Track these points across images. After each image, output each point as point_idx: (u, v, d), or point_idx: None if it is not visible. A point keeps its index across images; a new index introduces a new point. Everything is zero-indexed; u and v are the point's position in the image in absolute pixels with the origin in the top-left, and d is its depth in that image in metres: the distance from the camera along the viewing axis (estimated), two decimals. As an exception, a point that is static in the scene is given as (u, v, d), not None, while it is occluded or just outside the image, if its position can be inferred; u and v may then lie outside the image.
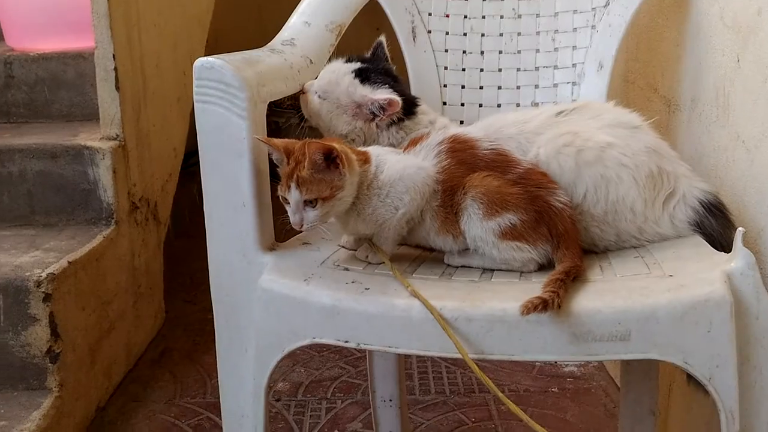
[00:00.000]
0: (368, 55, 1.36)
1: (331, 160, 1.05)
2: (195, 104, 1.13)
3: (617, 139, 1.13)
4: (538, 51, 1.45)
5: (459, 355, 0.98)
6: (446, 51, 1.48)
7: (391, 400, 1.64)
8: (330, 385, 2.02)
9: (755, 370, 0.98)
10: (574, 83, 1.42)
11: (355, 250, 1.17)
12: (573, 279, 1.02)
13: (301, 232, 1.11)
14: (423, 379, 2.05)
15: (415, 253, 1.20)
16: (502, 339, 0.97)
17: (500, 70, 1.47)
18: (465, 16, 1.48)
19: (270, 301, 1.09)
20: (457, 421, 1.85)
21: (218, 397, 1.18)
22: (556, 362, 2.10)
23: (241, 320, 1.13)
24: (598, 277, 1.05)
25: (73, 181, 1.98)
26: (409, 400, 1.91)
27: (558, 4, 1.44)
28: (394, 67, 1.36)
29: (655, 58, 1.62)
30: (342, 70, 1.29)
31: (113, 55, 1.97)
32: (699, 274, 1.00)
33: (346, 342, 1.03)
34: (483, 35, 1.47)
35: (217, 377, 1.18)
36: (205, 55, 1.14)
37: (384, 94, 1.25)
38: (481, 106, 1.47)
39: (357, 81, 1.28)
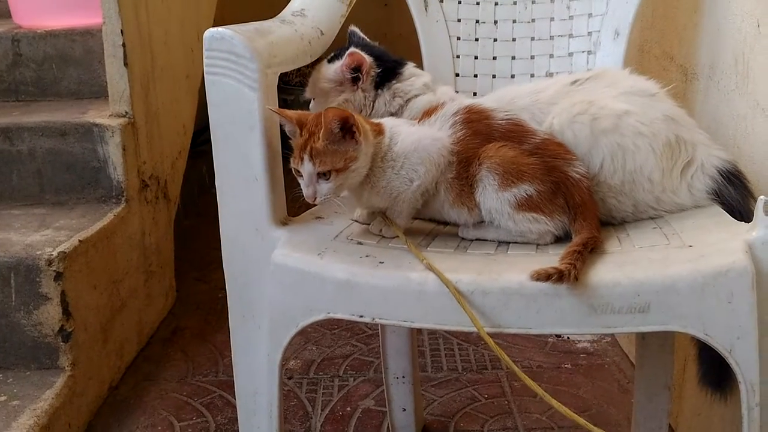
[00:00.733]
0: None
1: (347, 129, 1.04)
2: (205, 76, 1.11)
3: (634, 107, 1.11)
4: (552, 19, 1.42)
5: (474, 329, 0.96)
6: (459, 21, 1.46)
7: (403, 377, 1.63)
8: (342, 362, 2.01)
9: (776, 342, 0.96)
10: (589, 52, 1.40)
11: (369, 224, 1.15)
12: (591, 251, 1.00)
13: (314, 205, 1.09)
14: (435, 356, 2.04)
15: (429, 226, 1.18)
16: (519, 312, 0.96)
17: (514, 39, 1.44)
18: (478, -16, 1.46)
19: (283, 276, 1.07)
20: (469, 398, 1.84)
21: (230, 376, 1.17)
22: (569, 338, 2.09)
23: (254, 296, 1.12)
24: (616, 249, 1.03)
25: (82, 159, 1.97)
26: (422, 377, 1.90)
27: (573, -29, 1.42)
28: (377, 43, 1.35)
29: (671, 26, 1.59)
30: (319, 67, 1.29)
31: (121, 31, 1.95)
32: (719, 244, 0.98)
33: (361, 317, 1.02)
34: (496, 4, 1.45)
35: (229, 356, 1.17)
36: None
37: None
38: (494, 77, 1.45)
39: (328, 63, 1.29)
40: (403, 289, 1.00)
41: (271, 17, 1.31)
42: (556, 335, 2.09)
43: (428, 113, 1.14)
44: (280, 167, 1.15)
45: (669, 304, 0.93)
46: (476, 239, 1.11)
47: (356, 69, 1.25)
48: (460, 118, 1.11)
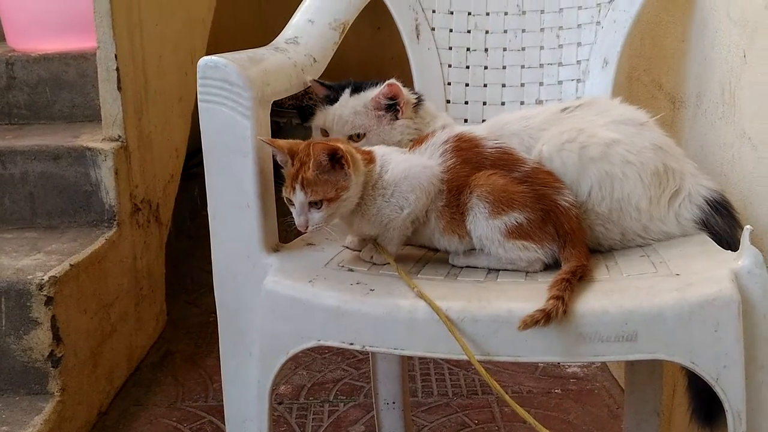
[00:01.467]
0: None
1: (336, 160, 1.05)
2: (199, 104, 1.12)
3: (623, 136, 1.12)
4: (542, 48, 1.44)
5: (465, 357, 0.97)
6: (450, 48, 1.47)
7: (394, 403, 1.63)
8: (332, 387, 2.01)
9: (762, 370, 0.97)
10: (578, 80, 1.41)
11: (360, 251, 1.16)
12: (579, 279, 1.01)
13: (305, 233, 1.10)
14: (425, 380, 2.04)
15: (420, 253, 1.19)
16: (509, 340, 0.96)
17: (504, 67, 1.46)
18: (469, 13, 1.48)
19: (274, 302, 1.08)
20: (460, 424, 1.84)
21: (220, 401, 1.17)
22: (559, 363, 2.09)
23: (245, 322, 1.12)
24: (604, 277, 1.04)
25: (75, 183, 1.97)
26: (412, 402, 1.90)
27: (562, 0, 1.43)
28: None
29: (659, 54, 1.61)
30: (343, 102, 1.29)
31: (115, 56, 1.96)
32: (706, 273, 0.99)
33: (351, 344, 1.03)
34: (487, 32, 1.47)
35: (219, 381, 1.17)
36: (206, 55, 1.13)
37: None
38: (485, 104, 1.46)
39: (350, 96, 1.29)
40: (393, 317, 1.00)
41: (265, 41, 1.32)
42: (541, 362, 2.09)
43: (419, 141, 1.16)
44: (272, 194, 1.15)
45: (656, 333, 0.94)
46: (466, 266, 1.12)
47: (392, 98, 1.26)
48: (450, 147, 1.12)
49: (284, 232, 1.18)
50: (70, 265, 1.72)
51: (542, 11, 1.44)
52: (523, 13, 1.45)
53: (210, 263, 1.15)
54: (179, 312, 2.43)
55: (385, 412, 1.63)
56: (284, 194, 1.07)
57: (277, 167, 1.13)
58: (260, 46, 1.29)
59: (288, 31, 1.38)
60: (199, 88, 1.12)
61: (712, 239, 1.11)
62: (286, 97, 1.24)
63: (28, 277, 1.65)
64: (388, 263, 1.10)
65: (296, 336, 1.06)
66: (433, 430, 1.81)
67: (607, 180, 1.10)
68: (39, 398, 1.65)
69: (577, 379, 2.03)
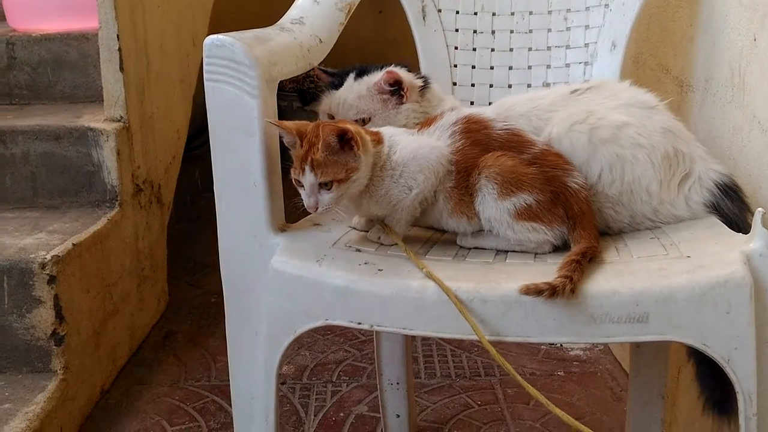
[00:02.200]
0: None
1: (345, 141, 1.04)
2: (205, 83, 1.11)
3: (633, 119, 1.11)
4: (549, 30, 1.43)
5: (474, 337, 0.97)
6: (456, 30, 1.47)
7: (398, 383, 1.63)
8: (335, 368, 2.01)
9: (773, 352, 0.97)
10: (586, 63, 1.41)
11: (367, 231, 1.16)
12: (589, 260, 1.01)
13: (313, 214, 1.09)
14: (428, 362, 2.04)
15: (427, 234, 1.19)
16: (519, 320, 0.96)
17: (511, 49, 1.45)
18: (476, -5, 1.47)
19: (282, 282, 1.08)
20: (463, 405, 1.84)
21: (223, 381, 1.17)
22: (562, 346, 2.10)
23: (252, 302, 1.12)
24: (614, 259, 1.04)
25: (76, 163, 1.97)
26: (415, 384, 1.90)
27: (571, -18, 1.43)
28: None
29: (667, 39, 1.60)
30: (347, 87, 1.29)
31: (117, 36, 1.95)
32: (717, 255, 0.98)
33: (359, 324, 1.02)
34: (494, 14, 1.46)
35: (221, 360, 1.17)
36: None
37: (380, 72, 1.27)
38: (491, 86, 1.46)
39: (354, 81, 1.29)
40: (402, 297, 1.00)
41: (267, 24, 1.31)
42: (550, 342, 2.10)
43: (427, 123, 1.15)
44: (279, 174, 1.15)
45: (667, 315, 0.94)
46: (474, 247, 1.12)
47: (394, 84, 1.26)
48: (458, 128, 1.11)
49: (290, 213, 1.17)
50: (73, 244, 1.72)
51: (550, -7, 1.43)
52: (531, -6, 1.44)
53: (211, 245, 1.14)
54: (181, 293, 2.43)
55: (389, 392, 1.64)
56: (293, 175, 1.07)
57: (283, 149, 1.12)
58: (263, 26, 1.28)
59: (293, 11, 1.36)
60: (205, 67, 1.11)
61: (723, 222, 1.10)
62: (287, 81, 1.23)
63: (31, 255, 1.65)
64: (396, 244, 1.10)
65: (303, 315, 1.06)
66: (436, 411, 1.82)
67: (618, 163, 1.10)
68: (42, 376, 1.65)
69: (580, 362, 2.03)
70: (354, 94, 1.28)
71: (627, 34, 1.36)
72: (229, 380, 1.17)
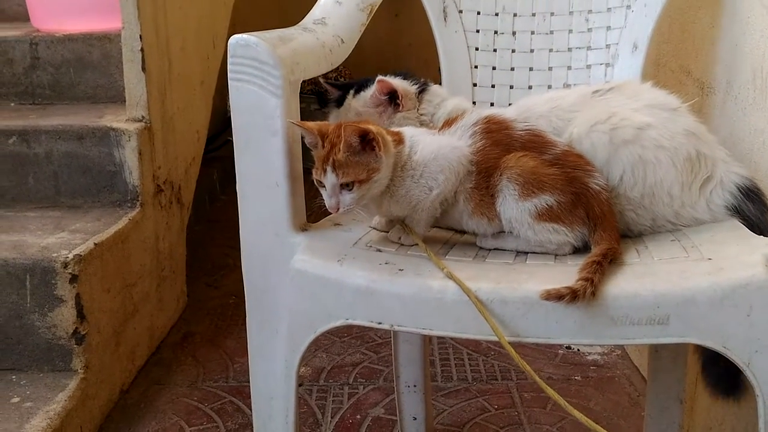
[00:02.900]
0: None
1: (366, 142, 1.04)
2: (229, 82, 1.12)
3: (655, 120, 1.11)
4: (571, 31, 1.44)
5: (494, 338, 0.97)
6: (478, 31, 1.47)
7: (415, 386, 1.64)
8: (352, 370, 2.02)
9: (795, 356, 0.97)
10: (607, 64, 1.40)
11: (387, 232, 1.16)
12: (610, 262, 1.01)
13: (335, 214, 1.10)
14: (445, 365, 2.04)
15: (447, 235, 1.19)
16: (539, 322, 0.96)
17: (532, 50, 1.45)
18: (497, -5, 1.47)
19: (303, 281, 1.08)
20: (479, 408, 1.84)
21: (241, 381, 1.17)
22: (578, 350, 2.09)
23: (273, 301, 1.13)
24: (635, 260, 1.04)
25: (98, 163, 1.98)
26: (432, 387, 1.90)
27: (592, -17, 1.43)
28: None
29: (688, 40, 1.60)
30: (348, 104, 1.33)
31: (140, 36, 1.96)
32: (739, 258, 0.98)
33: (380, 323, 1.03)
34: (515, 15, 1.46)
35: (239, 361, 1.17)
36: (227, 39, 1.13)
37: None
38: (512, 87, 1.46)
39: (354, 97, 1.33)
40: (422, 297, 1.00)
41: (285, 25, 1.32)
42: (567, 347, 2.09)
43: (448, 123, 1.15)
44: (301, 173, 1.16)
45: (688, 317, 0.94)
46: (495, 249, 1.12)
47: (389, 93, 1.28)
48: (479, 128, 1.11)
49: (310, 213, 1.18)
50: (95, 243, 1.73)
51: (571, -6, 1.43)
52: (552, -5, 1.44)
53: (229, 247, 1.15)
54: (199, 294, 2.45)
55: (406, 395, 1.64)
56: (314, 176, 1.07)
57: (305, 148, 1.13)
58: (281, 27, 1.29)
59: (316, 12, 1.37)
60: (229, 67, 1.12)
61: (744, 225, 1.10)
62: (305, 82, 1.24)
63: (53, 255, 1.66)
64: (417, 244, 1.10)
65: (324, 315, 1.07)
66: (453, 414, 1.82)
67: (640, 164, 1.10)
68: (63, 375, 1.67)
69: (598, 367, 2.02)
70: (352, 111, 1.31)
71: (649, 35, 1.35)
72: (247, 381, 1.17)
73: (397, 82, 1.29)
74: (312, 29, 1.30)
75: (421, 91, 1.30)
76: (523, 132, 1.11)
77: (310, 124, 1.09)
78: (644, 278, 0.97)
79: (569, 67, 1.43)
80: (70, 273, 1.65)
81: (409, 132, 1.13)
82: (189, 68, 2.35)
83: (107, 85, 2.26)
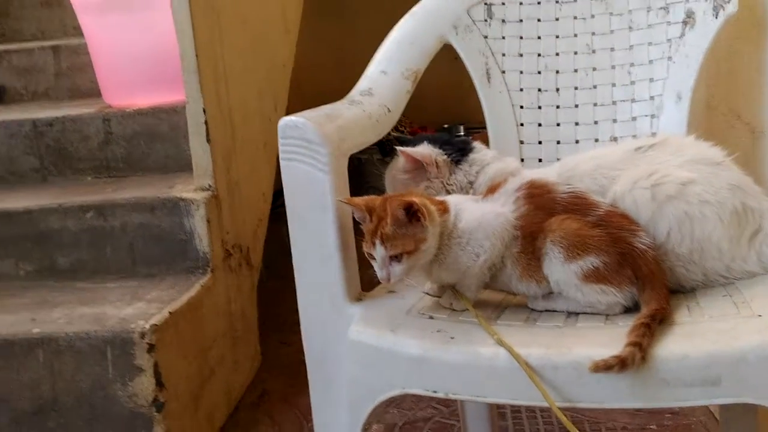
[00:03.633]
0: None
1: (412, 214, 1.08)
2: (281, 161, 1.18)
3: (698, 176, 1.11)
4: (614, 85, 1.45)
5: (546, 404, 0.98)
6: (521, 90, 1.49)
7: (484, 441, 1.64)
8: (424, 426, 2.03)
9: None
10: (652, 116, 1.41)
11: (439, 297, 1.19)
12: (659, 322, 1.01)
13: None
14: (517, 419, 2.03)
15: (499, 297, 1.21)
16: (591, 386, 0.97)
17: (576, 106, 1.47)
18: (539, 54, 1.49)
19: (359, 352, 1.12)
20: (554, 460, 1.82)
21: (315, 440, 1.20)
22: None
23: (333, 369, 1.17)
24: (686, 319, 1.04)
25: (170, 232, 2.07)
26: (504, 440, 1.90)
27: (632, 37, 1.44)
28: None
29: (736, 84, 1.58)
30: (394, 163, 1.36)
31: (203, 110, 2.05)
32: (790, 313, 0.97)
33: (435, 392, 1.05)
34: (557, 72, 1.48)
35: (312, 420, 1.21)
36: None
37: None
38: (558, 143, 1.47)
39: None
40: (474, 365, 1.02)
41: (344, 80, 1.36)
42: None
43: (491, 190, 1.18)
44: (353, 245, 1.20)
45: (740, 376, 0.93)
46: (546, 310, 1.13)
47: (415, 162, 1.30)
48: (522, 194, 1.14)
49: (367, 282, 1.22)
50: (169, 312, 1.81)
51: (612, 49, 1.44)
52: (593, 51, 1.46)
53: (300, 303, 1.19)
54: (272, 351, 2.50)
55: (477, 449, 1.64)
56: (365, 249, 1.11)
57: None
58: (339, 85, 1.33)
59: (363, 83, 1.43)
60: (280, 147, 1.18)
61: (796, 277, 1.09)
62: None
63: (131, 325, 1.74)
64: (468, 309, 1.13)
65: (382, 384, 1.10)
66: (526, 466, 1.81)
67: (686, 220, 1.10)
68: (145, 442, 1.74)
69: (673, 414, 1.98)
70: (389, 176, 1.34)
71: (691, 86, 1.36)
72: (320, 441, 1.21)
73: (421, 150, 1.30)
74: (359, 101, 1.36)
75: (458, 160, 1.31)
76: (566, 195, 1.13)
77: (358, 200, 1.13)
78: (694, 338, 0.97)
79: (615, 120, 1.44)
80: (147, 343, 1.72)
81: (453, 200, 1.16)
82: (252, 133, 2.44)
83: (176, 155, 2.35)
